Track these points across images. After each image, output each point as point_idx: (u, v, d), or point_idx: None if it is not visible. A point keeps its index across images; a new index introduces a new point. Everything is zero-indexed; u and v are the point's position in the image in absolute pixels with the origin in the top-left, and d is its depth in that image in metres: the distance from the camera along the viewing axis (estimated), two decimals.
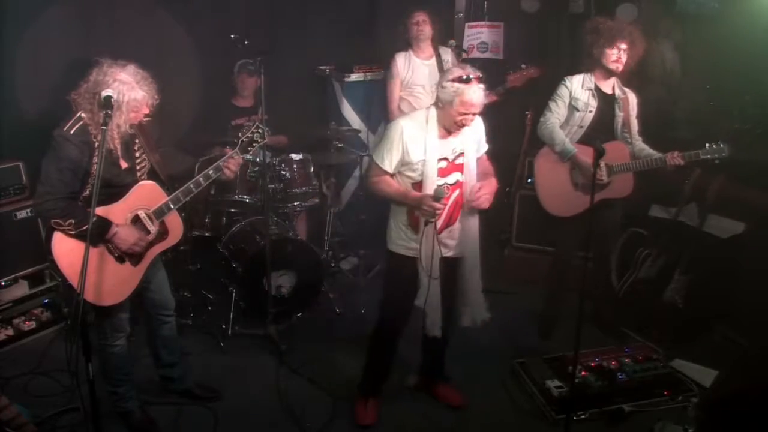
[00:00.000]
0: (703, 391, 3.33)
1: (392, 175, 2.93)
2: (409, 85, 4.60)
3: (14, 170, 3.84)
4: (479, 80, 2.79)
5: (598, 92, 3.70)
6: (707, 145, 3.51)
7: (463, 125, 2.84)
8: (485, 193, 2.91)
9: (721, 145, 3.49)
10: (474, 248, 3.06)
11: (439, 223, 2.91)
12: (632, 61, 3.62)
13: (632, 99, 3.75)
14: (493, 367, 3.69)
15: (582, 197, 3.73)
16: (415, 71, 4.58)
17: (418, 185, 2.89)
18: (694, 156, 3.53)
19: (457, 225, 3.01)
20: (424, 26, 4.54)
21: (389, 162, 2.88)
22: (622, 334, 4.00)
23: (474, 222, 3.04)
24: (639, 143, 3.74)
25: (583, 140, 3.71)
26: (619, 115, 3.72)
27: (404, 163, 2.88)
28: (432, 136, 2.86)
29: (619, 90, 3.73)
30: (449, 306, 3.11)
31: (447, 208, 2.92)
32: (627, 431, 3.18)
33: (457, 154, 2.93)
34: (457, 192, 2.96)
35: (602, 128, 3.70)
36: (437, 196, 2.75)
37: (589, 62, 3.71)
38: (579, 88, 3.70)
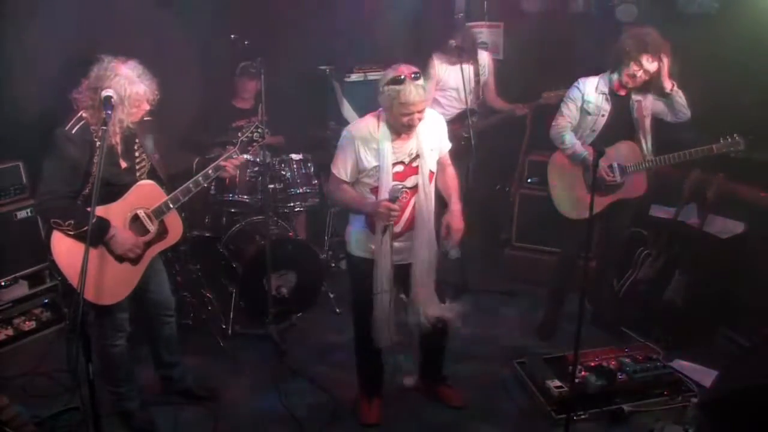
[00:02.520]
0: (703, 391, 3.33)
1: (351, 184, 2.93)
2: (443, 87, 4.61)
3: (14, 170, 3.84)
4: (414, 77, 2.68)
5: (612, 96, 3.61)
6: (721, 138, 3.45)
7: (411, 126, 2.78)
8: (454, 230, 2.95)
9: (737, 138, 3.40)
10: (430, 255, 2.99)
11: (400, 227, 2.91)
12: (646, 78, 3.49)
13: (648, 101, 3.63)
14: (493, 367, 3.70)
15: (597, 199, 3.70)
16: (451, 74, 4.57)
17: (376, 190, 2.88)
18: (707, 150, 3.48)
19: (415, 231, 2.96)
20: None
21: (344, 171, 2.89)
22: (622, 334, 4.00)
23: (430, 228, 2.99)
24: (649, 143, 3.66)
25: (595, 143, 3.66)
26: (635, 118, 3.64)
27: (360, 171, 2.88)
28: (385, 141, 2.82)
29: (635, 93, 3.62)
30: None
31: (408, 211, 2.91)
32: (627, 431, 3.18)
33: (413, 156, 2.89)
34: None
35: (617, 132, 3.64)
36: (393, 197, 2.74)
37: (611, 66, 3.59)
38: (592, 91, 3.63)
